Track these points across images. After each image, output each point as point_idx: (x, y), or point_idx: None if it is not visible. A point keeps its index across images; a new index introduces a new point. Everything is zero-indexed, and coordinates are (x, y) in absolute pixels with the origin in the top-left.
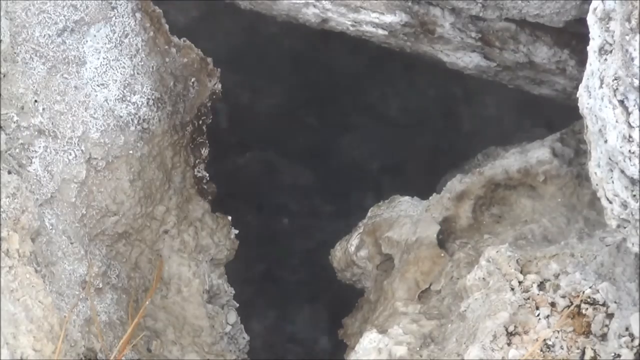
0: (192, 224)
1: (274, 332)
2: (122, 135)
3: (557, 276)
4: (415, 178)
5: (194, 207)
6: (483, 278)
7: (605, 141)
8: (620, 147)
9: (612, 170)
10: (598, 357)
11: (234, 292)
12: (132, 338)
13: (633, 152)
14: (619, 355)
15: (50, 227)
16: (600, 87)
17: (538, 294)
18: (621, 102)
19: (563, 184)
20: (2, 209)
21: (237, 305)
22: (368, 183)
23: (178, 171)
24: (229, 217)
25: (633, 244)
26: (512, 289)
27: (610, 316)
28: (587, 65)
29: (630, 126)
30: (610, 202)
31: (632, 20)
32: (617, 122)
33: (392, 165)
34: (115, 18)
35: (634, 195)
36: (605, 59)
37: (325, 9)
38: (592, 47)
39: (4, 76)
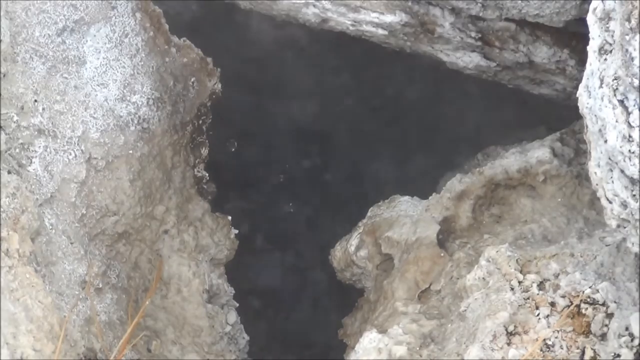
0: (192, 224)
1: None
2: (122, 135)
3: (557, 276)
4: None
5: (194, 207)
6: (483, 278)
7: (605, 141)
8: (620, 147)
9: (612, 170)
10: (598, 357)
11: (234, 291)
12: (132, 338)
13: (633, 152)
14: (618, 355)
15: (50, 227)
16: (600, 87)
17: (538, 294)
18: (621, 102)
19: (563, 183)
20: (2, 209)
21: (237, 305)
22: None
23: (178, 171)
24: (229, 217)
25: (633, 243)
26: (512, 289)
27: (610, 316)
28: (587, 65)
29: (630, 126)
30: (610, 202)
31: (632, 20)
32: (617, 122)
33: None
34: (115, 18)
35: (634, 195)
36: (605, 59)
37: (325, 8)
38: (592, 47)
39: (4, 76)
